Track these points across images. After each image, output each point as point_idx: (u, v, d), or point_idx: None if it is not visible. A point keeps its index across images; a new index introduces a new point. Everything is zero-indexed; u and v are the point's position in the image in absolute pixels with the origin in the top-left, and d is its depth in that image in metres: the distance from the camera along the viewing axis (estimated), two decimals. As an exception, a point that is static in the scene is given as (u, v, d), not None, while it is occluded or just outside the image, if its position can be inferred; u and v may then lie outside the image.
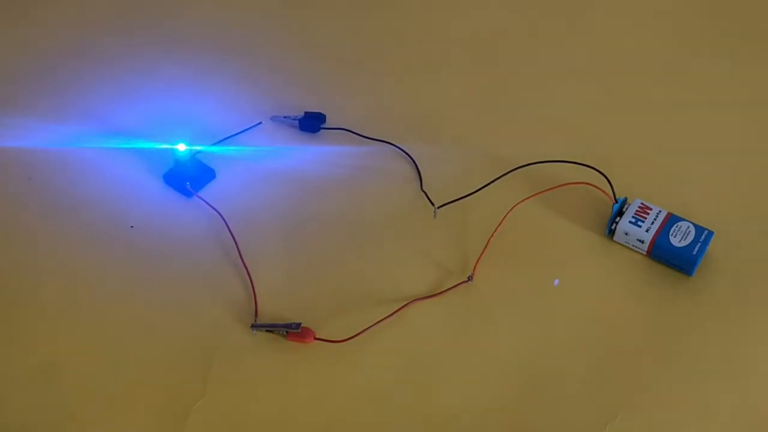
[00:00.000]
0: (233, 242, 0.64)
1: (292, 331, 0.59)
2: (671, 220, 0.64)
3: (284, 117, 0.73)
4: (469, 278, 0.63)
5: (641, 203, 0.65)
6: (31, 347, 0.60)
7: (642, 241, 0.63)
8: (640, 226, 0.63)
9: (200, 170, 0.69)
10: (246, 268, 0.63)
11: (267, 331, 0.60)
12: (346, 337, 0.59)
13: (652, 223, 0.63)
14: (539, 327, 0.61)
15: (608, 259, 0.64)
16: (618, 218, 0.64)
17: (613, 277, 0.63)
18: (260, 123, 0.73)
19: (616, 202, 0.65)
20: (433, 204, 0.66)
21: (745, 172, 0.70)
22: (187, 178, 0.68)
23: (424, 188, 0.68)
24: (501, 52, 0.80)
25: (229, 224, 0.65)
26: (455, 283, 0.62)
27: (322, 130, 0.72)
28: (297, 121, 0.73)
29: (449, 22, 0.84)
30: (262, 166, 0.71)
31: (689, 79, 0.78)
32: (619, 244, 0.65)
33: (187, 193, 0.68)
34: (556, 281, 0.63)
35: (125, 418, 0.56)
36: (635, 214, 0.64)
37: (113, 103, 0.75)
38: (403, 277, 0.64)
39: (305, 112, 0.73)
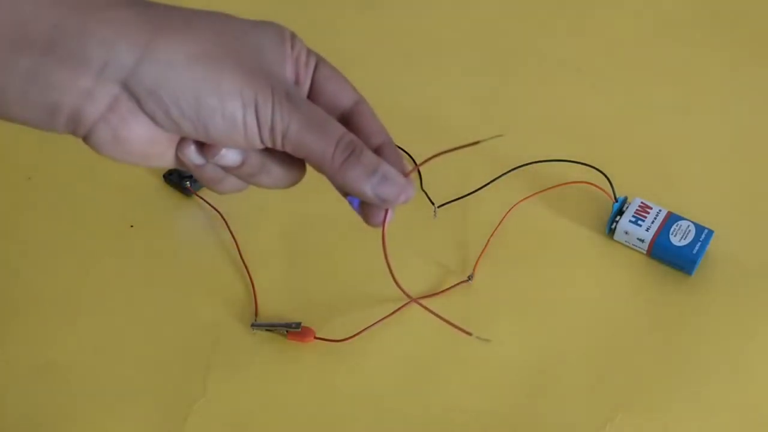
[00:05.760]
0: (233, 242, 0.64)
1: (292, 330, 0.59)
2: (671, 219, 0.64)
3: (284, 117, 0.73)
4: (469, 278, 0.63)
5: (641, 202, 0.65)
6: (31, 347, 0.60)
7: (642, 240, 0.63)
8: (640, 225, 0.63)
9: (200, 170, 0.69)
10: (246, 268, 0.63)
11: (267, 330, 0.60)
12: (346, 337, 0.59)
13: (653, 222, 0.63)
14: (539, 326, 0.61)
15: (608, 258, 0.64)
16: (618, 217, 0.64)
17: (613, 276, 0.63)
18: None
19: (616, 201, 0.65)
20: (433, 204, 0.66)
21: (746, 171, 0.70)
22: (187, 178, 0.68)
23: (424, 188, 0.68)
24: (502, 51, 0.80)
25: (229, 224, 0.65)
26: (455, 283, 0.62)
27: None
28: (297, 121, 0.72)
29: (450, 21, 0.84)
30: (262, 165, 0.71)
31: (690, 78, 0.78)
32: (620, 243, 0.65)
33: (187, 193, 0.68)
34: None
35: (125, 418, 0.56)
36: (635, 213, 0.64)
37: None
38: (403, 277, 0.63)
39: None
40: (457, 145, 0.43)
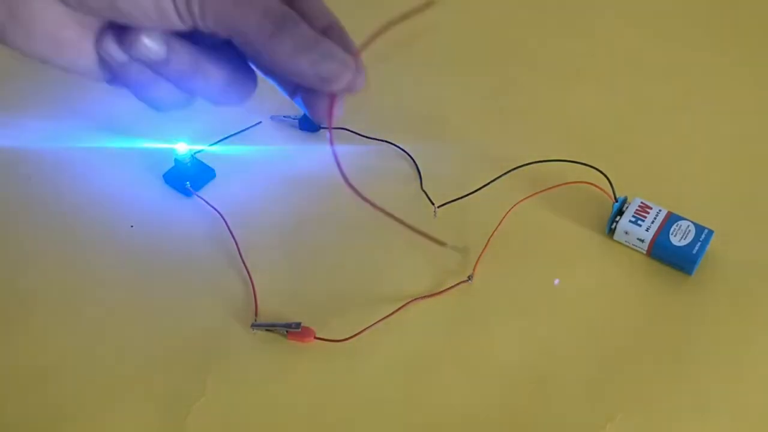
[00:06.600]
0: (233, 242, 0.64)
1: (292, 330, 0.59)
2: (671, 219, 0.64)
3: (284, 116, 0.73)
4: (469, 278, 0.62)
5: (641, 202, 0.65)
6: (30, 347, 0.60)
7: (642, 240, 0.63)
8: (640, 225, 0.63)
9: (200, 170, 0.69)
10: (246, 268, 0.63)
11: (267, 330, 0.60)
12: (347, 337, 0.59)
13: (652, 222, 0.63)
14: (539, 326, 0.61)
15: (608, 258, 0.64)
16: (618, 217, 0.64)
17: (613, 277, 0.63)
18: (260, 122, 0.73)
19: (616, 201, 0.65)
20: (433, 204, 0.66)
21: (746, 171, 0.70)
22: (187, 178, 0.68)
23: (424, 188, 0.68)
24: (501, 51, 0.80)
25: (229, 224, 0.65)
26: (455, 283, 0.62)
27: (322, 130, 0.72)
28: (297, 121, 0.73)
29: (449, 21, 0.84)
30: (262, 165, 0.71)
31: (690, 78, 0.78)
32: (620, 243, 0.65)
33: (187, 193, 0.68)
34: (557, 281, 0.63)
35: (125, 418, 0.56)
36: (635, 213, 0.64)
37: (113, 102, 0.75)
38: (403, 277, 0.63)
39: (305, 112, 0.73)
40: (410, 10, 0.36)
